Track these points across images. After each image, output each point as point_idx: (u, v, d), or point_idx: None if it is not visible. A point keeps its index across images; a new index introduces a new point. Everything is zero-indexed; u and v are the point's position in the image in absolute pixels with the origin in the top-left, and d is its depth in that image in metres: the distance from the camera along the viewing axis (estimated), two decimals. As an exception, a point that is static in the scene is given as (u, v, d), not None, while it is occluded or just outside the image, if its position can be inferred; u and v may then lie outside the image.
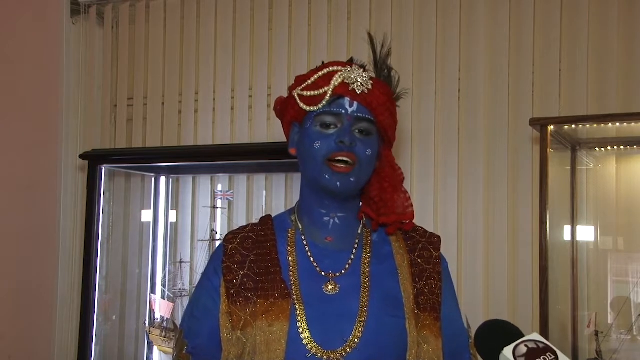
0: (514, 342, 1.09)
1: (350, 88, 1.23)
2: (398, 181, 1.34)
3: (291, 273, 1.26)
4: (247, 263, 1.28)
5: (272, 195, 2.80)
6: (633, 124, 2.05)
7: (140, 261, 2.98)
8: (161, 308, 2.76)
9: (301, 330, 1.19)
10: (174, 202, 2.98)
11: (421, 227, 1.38)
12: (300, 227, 1.33)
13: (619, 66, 2.28)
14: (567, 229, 2.30)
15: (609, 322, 2.24)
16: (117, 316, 2.96)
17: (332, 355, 1.18)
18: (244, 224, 1.40)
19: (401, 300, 1.25)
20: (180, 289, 2.83)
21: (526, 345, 1.08)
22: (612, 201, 2.32)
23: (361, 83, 1.24)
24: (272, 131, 2.75)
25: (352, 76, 1.24)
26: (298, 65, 2.70)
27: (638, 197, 2.28)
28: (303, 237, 1.32)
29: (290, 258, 1.29)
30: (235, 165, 2.72)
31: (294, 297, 1.22)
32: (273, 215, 1.39)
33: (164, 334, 2.67)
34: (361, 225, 1.35)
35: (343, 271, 1.28)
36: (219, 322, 1.25)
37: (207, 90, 2.92)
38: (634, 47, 2.27)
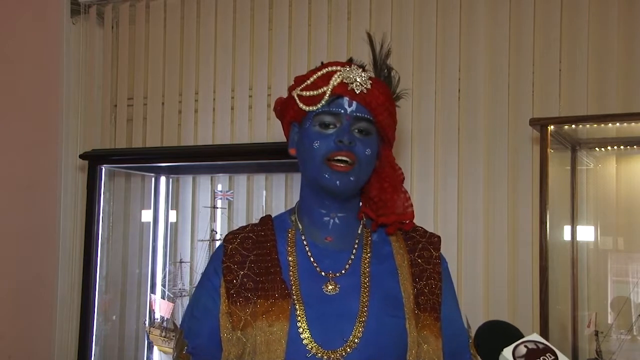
0: (514, 342, 1.09)
1: (349, 88, 1.23)
2: (398, 181, 1.34)
3: (291, 273, 1.26)
4: (247, 263, 1.28)
5: (272, 195, 2.80)
6: (633, 124, 2.05)
7: (140, 261, 2.98)
8: (161, 308, 2.76)
9: (301, 330, 1.19)
10: (174, 202, 2.98)
11: (421, 227, 1.38)
12: (300, 227, 1.33)
13: (619, 66, 2.28)
14: (567, 229, 2.31)
15: (609, 322, 2.24)
16: (117, 316, 2.96)
17: (332, 355, 1.18)
18: (244, 224, 1.40)
19: (401, 300, 1.25)
20: (180, 289, 2.83)
21: (526, 346, 1.08)
22: (612, 201, 2.32)
23: (360, 83, 1.24)
24: (272, 131, 2.75)
25: (351, 76, 1.24)
26: (298, 65, 2.70)
27: (638, 197, 2.28)
28: (303, 237, 1.32)
29: (290, 258, 1.29)
30: (235, 165, 2.72)
31: (294, 297, 1.22)
32: (273, 216, 1.39)
33: (164, 334, 2.67)
34: (361, 225, 1.35)
35: (343, 271, 1.28)
36: (219, 322, 1.25)
37: (207, 90, 2.92)
38: (634, 47, 2.28)
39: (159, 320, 2.76)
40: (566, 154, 2.30)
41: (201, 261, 2.78)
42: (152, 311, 2.81)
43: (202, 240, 2.83)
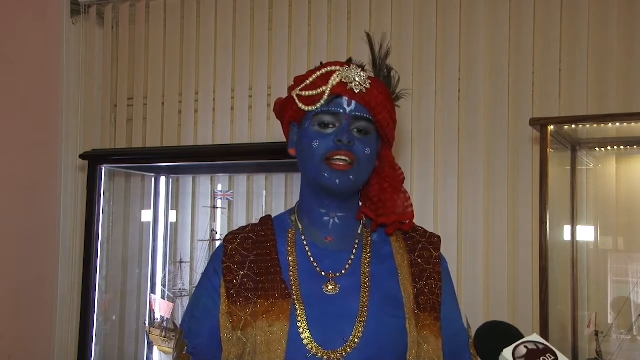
0: (514, 343, 1.09)
1: (348, 87, 1.23)
2: (398, 181, 1.34)
3: (291, 273, 1.26)
4: (247, 263, 1.28)
5: (272, 195, 2.80)
6: (633, 124, 2.05)
7: (140, 261, 2.98)
8: (161, 308, 2.76)
9: (301, 330, 1.19)
10: (174, 202, 2.98)
11: (421, 227, 1.38)
12: (300, 227, 1.33)
13: (619, 66, 2.28)
14: (567, 229, 2.31)
15: (609, 322, 2.24)
16: (117, 316, 2.96)
17: (333, 355, 1.18)
18: (244, 224, 1.40)
19: (401, 300, 1.25)
20: (180, 289, 2.83)
21: (526, 346, 1.08)
22: (612, 201, 2.32)
23: (359, 82, 1.24)
24: (272, 131, 2.75)
25: (350, 75, 1.24)
26: (298, 65, 2.70)
27: (638, 197, 2.29)
28: (303, 237, 1.32)
29: (290, 258, 1.28)
30: (235, 165, 2.72)
31: (294, 297, 1.22)
32: (273, 216, 1.39)
33: (164, 334, 2.67)
34: (361, 226, 1.35)
35: (343, 271, 1.27)
36: (219, 323, 1.25)
37: (207, 90, 2.92)
38: (634, 47, 2.28)
39: (159, 320, 2.76)
40: (566, 154, 2.30)
41: (201, 261, 2.78)
42: (152, 311, 2.81)
43: (202, 240, 2.83)
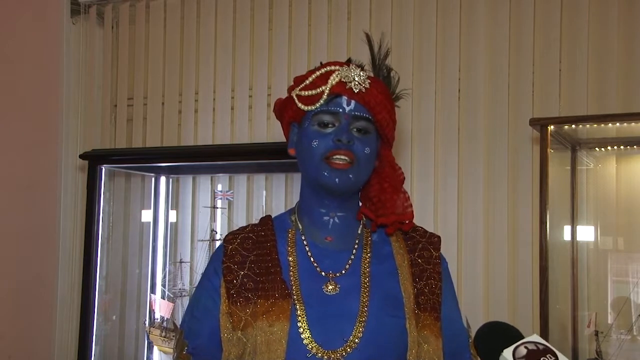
0: (514, 343, 1.09)
1: (347, 87, 1.23)
2: (398, 181, 1.34)
3: (291, 273, 1.26)
4: (247, 263, 1.28)
5: (272, 195, 2.80)
6: (633, 124, 2.05)
7: (140, 261, 2.98)
8: (161, 308, 2.76)
9: (302, 330, 1.19)
10: (174, 202, 2.98)
11: (421, 227, 1.38)
12: (300, 227, 1.33)
13: (619, 66, 2.28)
14: (567, 229, 2.31)
15: (609, 322, 2.24)
16: (117, 316, 2.96)
17: (333, 355, 1.18)
18: (244, 224, 1.40)
19: (401, 300, 1.25)
20: (180, 289, 2.83)
21: (526, 347, 1.08)
22: (612, 201, 2.32)
23: (358, 82, 1.24)
24: (272, 131, 2.75)
25: (350, 75, 1.24)
26: (298, 65, 2.70)
27: (638, 197, 2.29)
28: (303, 238, 1.32)
29: (290, 258, 1.28)
30: (235, 165, 2.72)
31: (294, 297, 1.22)
32: (273, 216, 1.39)
33: (164, 334, 2.67)
34: (361, 226, 1.35)
35: (343, 271, 1.27)
36: (219, 323, 1.25)
37: (207, 90, 2.92)
38: (634, 47, 2.28)
39: (159, 320, 2.76)
40: (566, 154, 2.30)
41: (201, 261, 2.78)
42: (152, 311, 2.81)
43: (202, 240, 2.83)
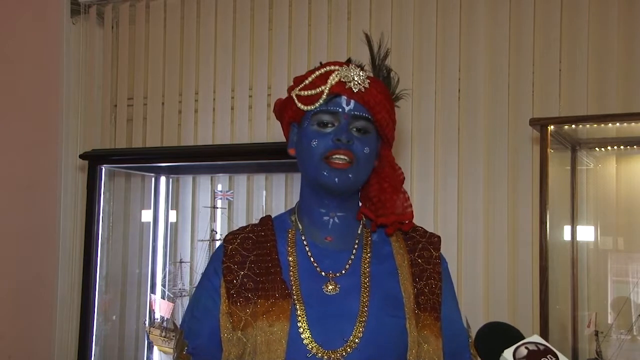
0: (514, 344, 1.09)
1: (346, 86, 1.23)
2: (398, 181, 1.34)
3: (291, 273, 1.26)
4: (247, 263, 1.28)
5: (272, 195, 2.80)
6: (633, 124, 2.05)
7: (140, 261, 2.98)
8: (161, 308, 2.76)
9: (302, 330, 1.19)
10: (174, 202, 2.98)
11: (421, 227, 1.38)
12: (300, 227, 1.33)
13: (619, 66, 2.28)
14: (567, 229, 2.31)
15: (609, 322, 2.24)
16: (117, 316, 2.96)
17: (333, 355, 1.18)
18: (244, 224, 1.40)
19: (401, 300, 1.25)
20: (180, 289, 2.83)
21: (526, 348, 1.08)
22: (612, 201, 2.32)
23: (358, 82, 1.24)
24: (272, 131, 2.75)
25: (349, 75, 1.24)
26: (298, 65, 2.70)
27: (638, 197, 2.29)
28: (303, 238, 1.32)
29: (290, 258, 1.28)
30: (235, 165, 2.72)
31: (294, 297, 1.22)
32: (273, 216, 1.39)
33: (164, 334, 2.67)
34: (361, 226, 1.35)
35: (343, 271, 1.27)
36: (219, 323, 1.25)
37: (207, 90, 2.92)
38: (634, 47, 2.28)
39: (159, 320, 2.76)
40: (566, 154, 2.30)
41: (201, 261, 2.78)
42: (152, 311, 2.81)
43: (202, 240, 2.83)
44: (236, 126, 2.85)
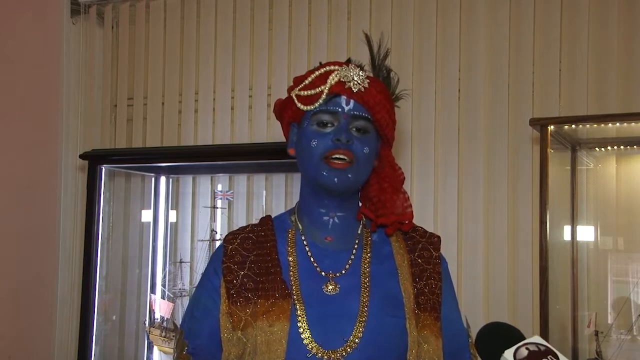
0: (515, 344, 1.09)
1: (346, 86, 1.23)
2: (398, 181, 1.34)
3: (291, 273, 1.26)
4: (247, 263, 1.28)
5: (272, 195, 2.80)
6: (633, 124, 2.05)
7: (140, 261, 2.98)
8: (161, 308, 2.76)
9: (302, 330, 1.19)
10: (174, 202, 2.98)
11: (421, 227, 1.38)
12: (300, 227, 1.33)
13: (619, 66, 2.28)
14: (567, 229, 2.31)
15: (609, 322, 2.24)
16: (117, 316, 2.96)
17: (333, 355, 1.18)
18: (244, 224, 1.40)
19: (401, 300, 1.25)
20: (180, 289, 2.83)
21: (527, 348, 1.08)
22: (612, 201, 2.32)
23: (357, 81, 1.24)
24: (272, 131, 2.75)
25: (349, 74, 1.24)
26: (298, 65, 2.70)
27: (638, 197, 2.29)
28: (303, 238, 1.32)
29: (290, 258, 1.28)
30: (235, 165, 2.72)
31: (295, 297, 1.22)
32: (273, 216, 1.39)
33: (164, 334, 2.67)
34: (361, 226, 1.35)
35: (343, 271, 1.27)
36: (219, 323, 1.25)
37: (207, 90, 2.92)
38: (634, 47, 2.28)
39: (159, 320, 2.76)
40: (566, 154, 2.30)
41: (201, 261, 2.78)
42: (152, 311, 2.81)
43: (202, 240, 2.83)
44: (236, 126, 2.85)
